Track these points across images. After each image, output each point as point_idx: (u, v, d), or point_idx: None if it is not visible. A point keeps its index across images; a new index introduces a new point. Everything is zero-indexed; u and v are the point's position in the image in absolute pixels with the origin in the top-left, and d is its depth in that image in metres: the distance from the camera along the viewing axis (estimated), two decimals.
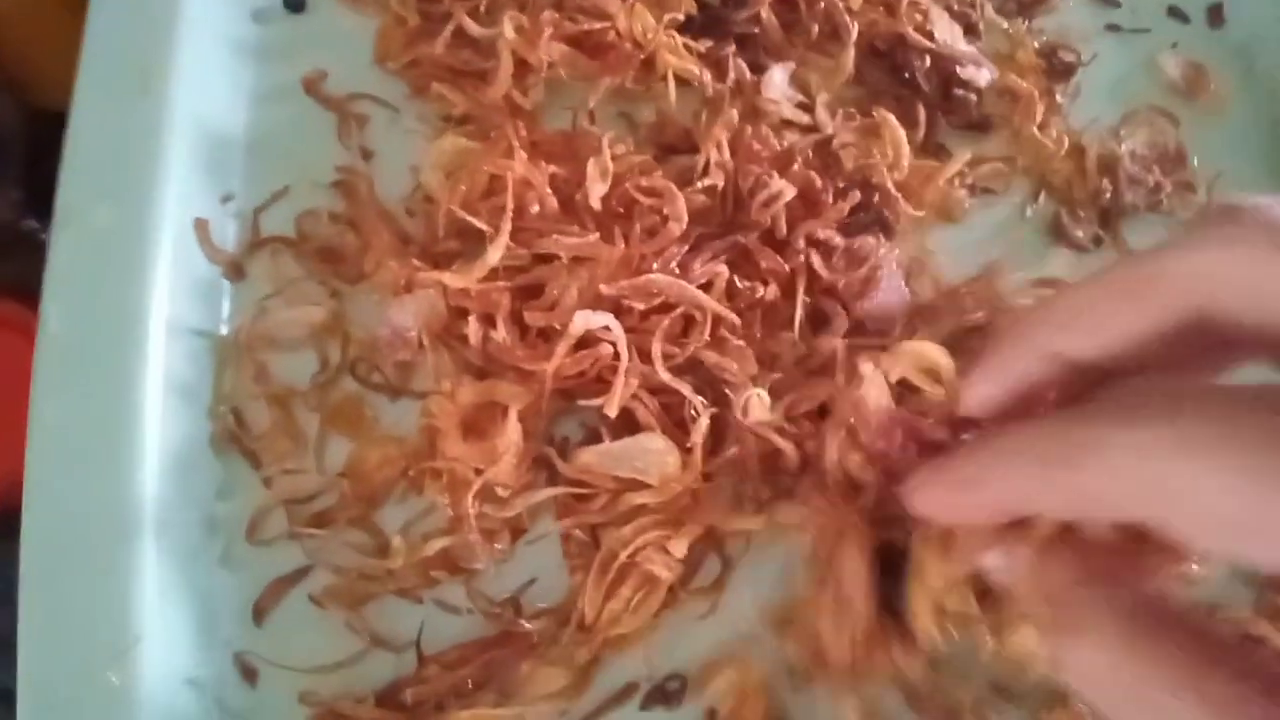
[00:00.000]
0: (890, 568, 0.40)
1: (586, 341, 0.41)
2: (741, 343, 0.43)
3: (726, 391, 0.42)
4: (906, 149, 0.47)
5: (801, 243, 0.44)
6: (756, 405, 0.41)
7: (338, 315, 0.45)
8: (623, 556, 0.39)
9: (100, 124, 0.44)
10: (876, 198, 0.46)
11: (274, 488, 0.42)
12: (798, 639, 0.39)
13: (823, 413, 0.43)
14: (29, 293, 0.42)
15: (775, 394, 0.42)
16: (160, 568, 0.38)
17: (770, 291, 0.43)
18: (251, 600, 0.41)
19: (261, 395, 0.43)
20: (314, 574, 0.41)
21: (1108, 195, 0.48)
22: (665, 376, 0.41)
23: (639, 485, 0.41)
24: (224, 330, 0.45)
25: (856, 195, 0.44)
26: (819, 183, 0.45)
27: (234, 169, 0.47)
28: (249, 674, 0.40)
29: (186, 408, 0.42)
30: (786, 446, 0.41)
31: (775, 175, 0.44)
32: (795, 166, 0.45)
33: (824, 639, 0.37)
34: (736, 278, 0.43)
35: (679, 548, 0.39)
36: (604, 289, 0.41)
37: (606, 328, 0.40)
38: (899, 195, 0.47)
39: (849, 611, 0.37)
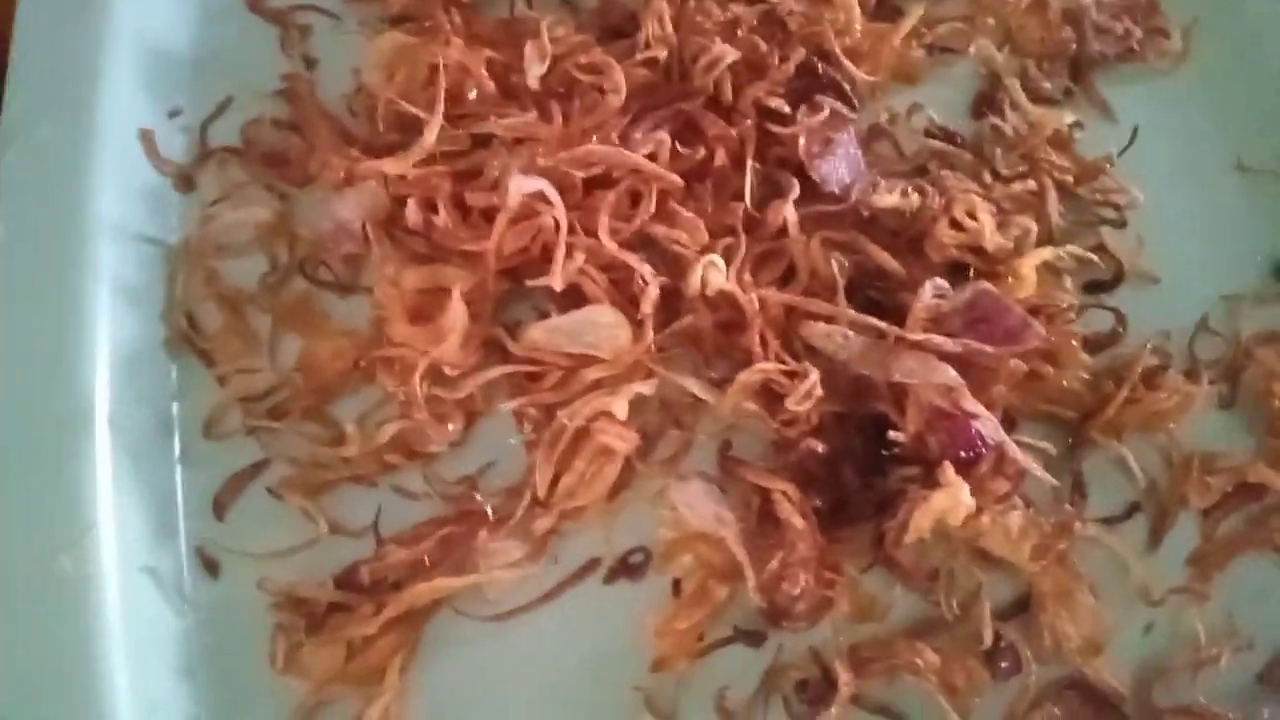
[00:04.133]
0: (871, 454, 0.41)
1: (527, 215, 0.41)
2: (691, 215, 0.43)
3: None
4: (857, 12, 0.47)
5: (749, 108, 0.44)
6: (712, 273, 0.41)
7: (285, 217, 0.46)
8: (570, 426, 0.40)
9: (43, 40, 0.45)
10: (827, 64, 0.46)
11: (229, 386, 0.43)
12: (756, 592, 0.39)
13: (784, 280, 0.43)
14: None
15: (729, 261, 0.42)
16: (114, 461, 0.40)
17: (719, 158, 0.43)
18: (211, 496, 0.42)
19: (213, 298, 0.44)
20: (271, 468, 0.43)
21: (1074, 46, 0.48)
22: (611, 248, 0.41)
23: (591, 361, 0.42)
24: (175, 239, 0.46)
25: (801, 53, 0.44)
26: (763, 46, 0.45)
27: (180, 84, 0.49)
28: (210, 566, 0.42)
29: (138, 312, 0.44)
30: (746, 300, 0.41)
31: (718, 41, 0.44)
32: (739, 33, 0.45)
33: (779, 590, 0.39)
34: (681, 147, 0.43)
35: (620, 408, 0.40)
36: (542, 162, 0.41)
37: (543, 195, 0.40)
38: (850, 62, 0.46)
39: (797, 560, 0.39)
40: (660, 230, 0.43)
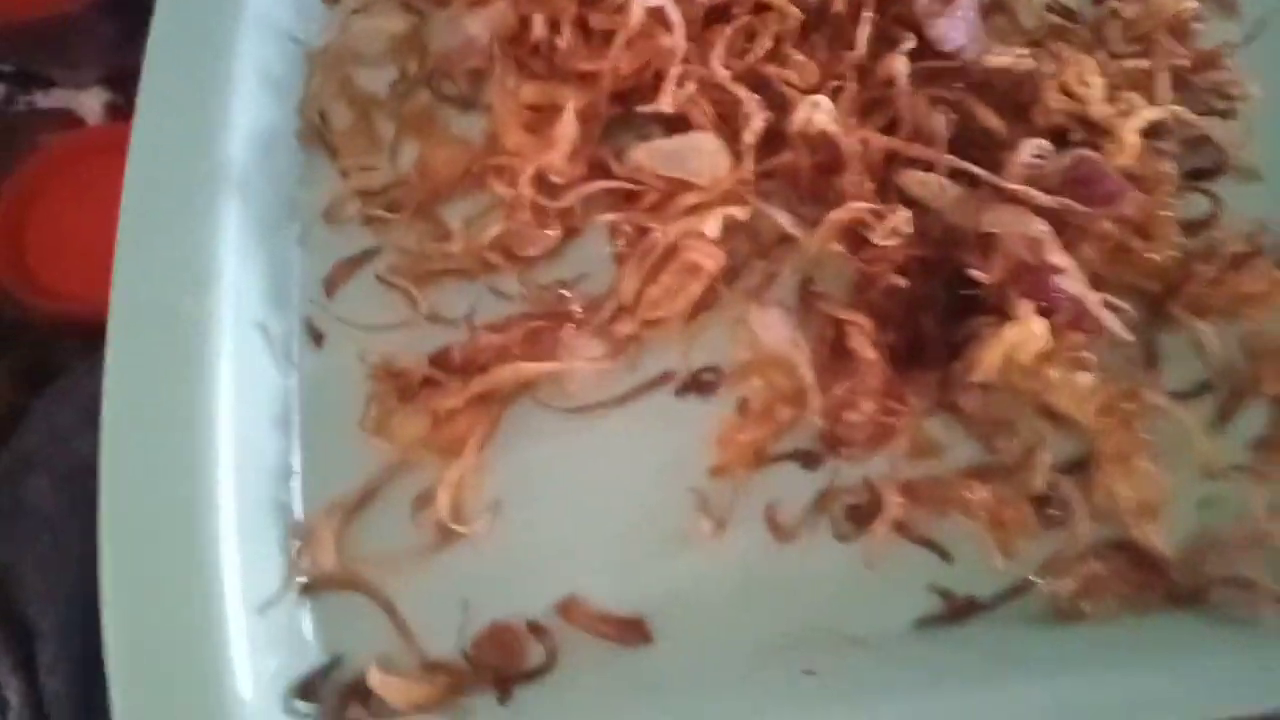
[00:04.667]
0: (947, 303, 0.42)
1: (646, 36, 0.43)
2: (804, 58, 0.44)
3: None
4: None
5: None
6: (817, 113, 0.43)
7: (418, 30, 0.49)
8: (662, 240, 0.42)
9: None
10: None
11: (351, 178, 0.47)
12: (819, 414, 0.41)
13: (889, 129, 0.44)
14: None
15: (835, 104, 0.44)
16: (240, 225, 0.44)
17: (837, 4, 0.44)
18: (324, 276, 0.45)
19: (344, 99, 0.48)
20: (381, 256, 0.46)
21: None
22: (722, 75, 0.43)
23: (690, 187, 0.44)
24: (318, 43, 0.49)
25: None
26: None
27: None
28: (316, 336, 0.45)
29: (277, 102, 0.48)
30: (847, 142, 0.42)
31: None
32: None
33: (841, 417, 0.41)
34: None
35: (711, 227, 0.41)
36: None
37: (664, 13, 0.42)
38: None
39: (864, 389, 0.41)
40: (772, 69, 0.44)
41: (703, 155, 0.44)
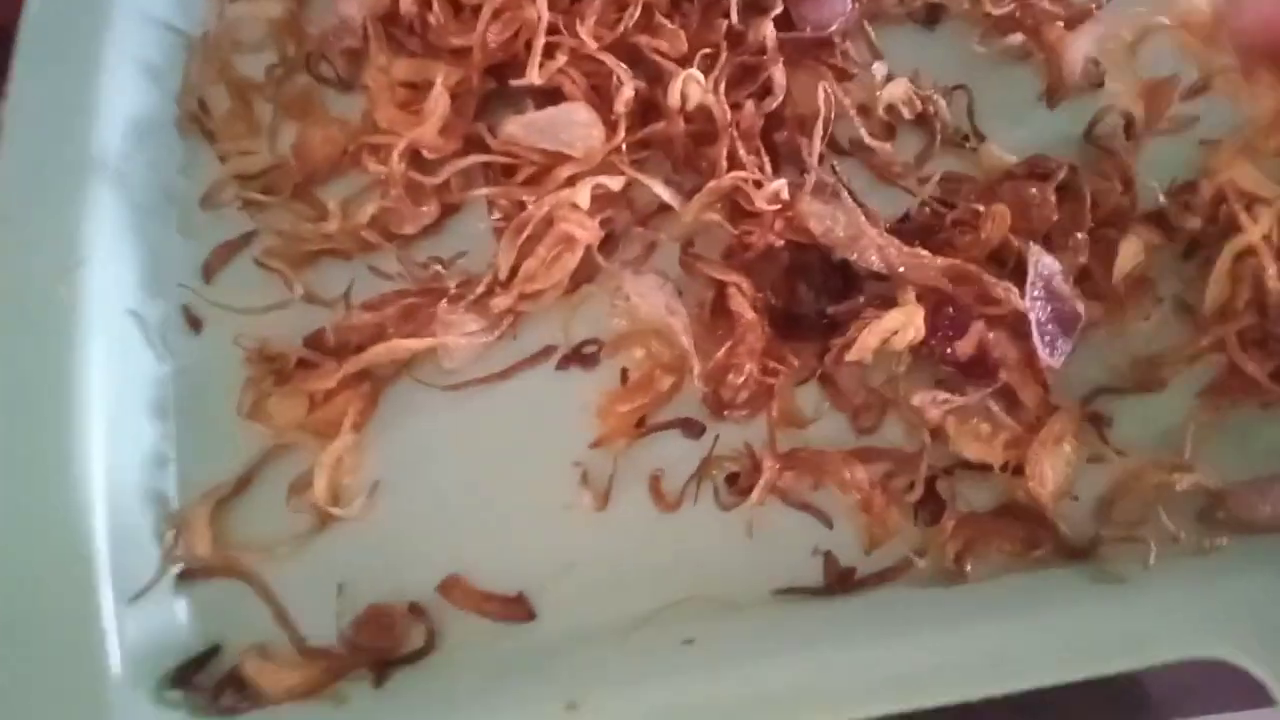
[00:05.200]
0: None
1: (512, 7, 0.43)
2: (674, 27, 0.44)
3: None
4: None
5: None
6: (692, 86, 0.43)
7: (295, 14, 0.48)
8: (536, 214, 0.41)
9: None
10: None
11: (228, 164, 0.46)
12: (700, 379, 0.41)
13: (761, 95, 0.44)
14: None
15: (706, 72, 0.43)
16: (115, 211, 0.44)
17: None
18: (202, 261, 0.45)
19: (223, 84, 0.47)
20: (259, 240, 0.45)
21: None
22: (591, 46, 0.43)
23: (565, 159, 0.43)
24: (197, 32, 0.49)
25: None
26: None
27: None
28: (194, 322, 0.45)
29: (156, 90, 0.48)
30: (720, 111, 0.42)
31: None
32: None
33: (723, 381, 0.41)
34: None
35: (583, 197, 0.41)
36: None
37: None
38: None
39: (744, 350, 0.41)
40: (643, 39, 0.44)
41: (575, 127, 0.43)
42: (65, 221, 0.42)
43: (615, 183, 0.43)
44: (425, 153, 0.44)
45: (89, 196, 0.43)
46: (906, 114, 0.45)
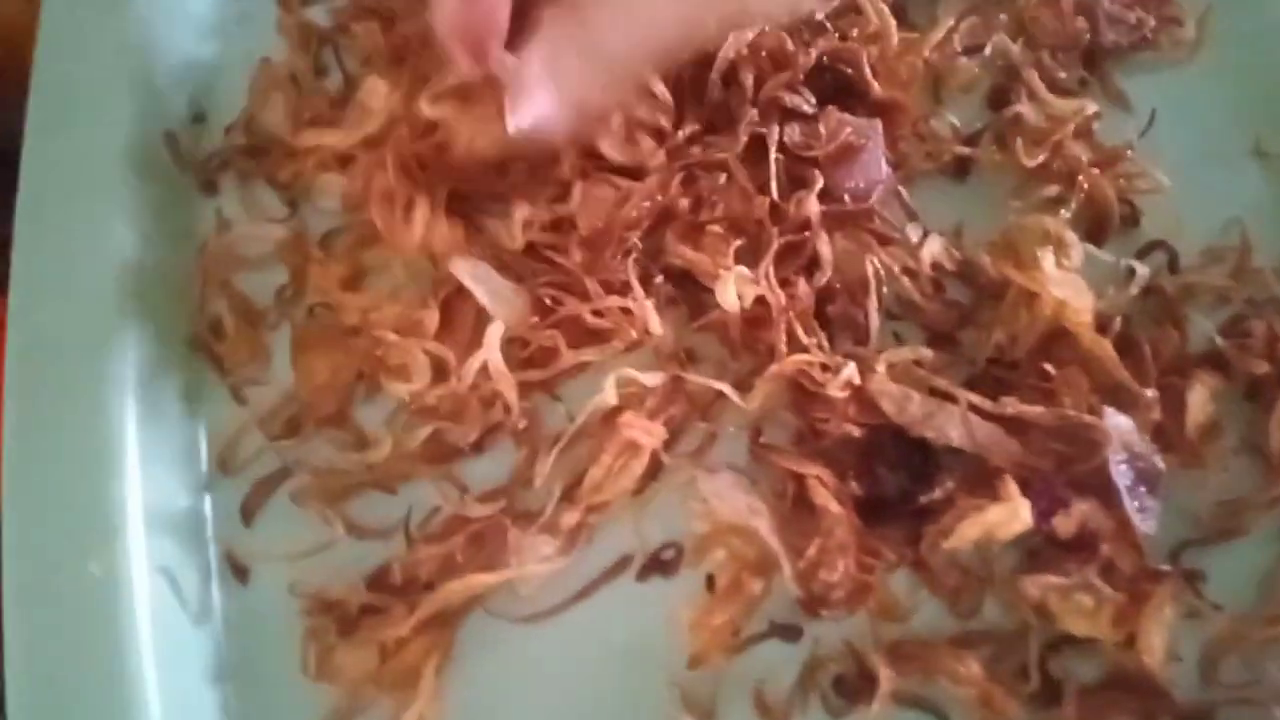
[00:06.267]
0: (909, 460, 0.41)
1: None
2: (716, 228, 0.43)
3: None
4: (892, 21, 0.47)
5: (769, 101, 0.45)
6: (744, 286, 0.42)
7: (301, 237, 0.46)
8: (581, 419, 0.41)
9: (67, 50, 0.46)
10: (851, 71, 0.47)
11: (245, 407, 0.44)
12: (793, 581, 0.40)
13: (808, 273, 0.43)
14: None
15: (752, 255, 0.43)
16: (143, 464, 0.40)
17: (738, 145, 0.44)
18: (240, 503, 0.42)
19: (229, 307, 0.45)
20: (295, 475, 0.43)
21: (1087, 37, 0.48)
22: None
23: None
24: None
25: (825, 43, 0.45)
26: (788, 41, 0.45)
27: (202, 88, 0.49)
28: (240, 572, 0.42)
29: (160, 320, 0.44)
30: (774, 298, 0.41)
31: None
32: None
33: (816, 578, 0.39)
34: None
35: (610, 395, 0.41)
36: None
37: None
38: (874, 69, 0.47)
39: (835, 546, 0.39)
40: (685, 253, 0.43)
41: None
42: (95, 492, 0.39)
43: (651, 378, 0.42)
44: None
45: (114, 457, 0.40)
46: (949, 267, 0.45)
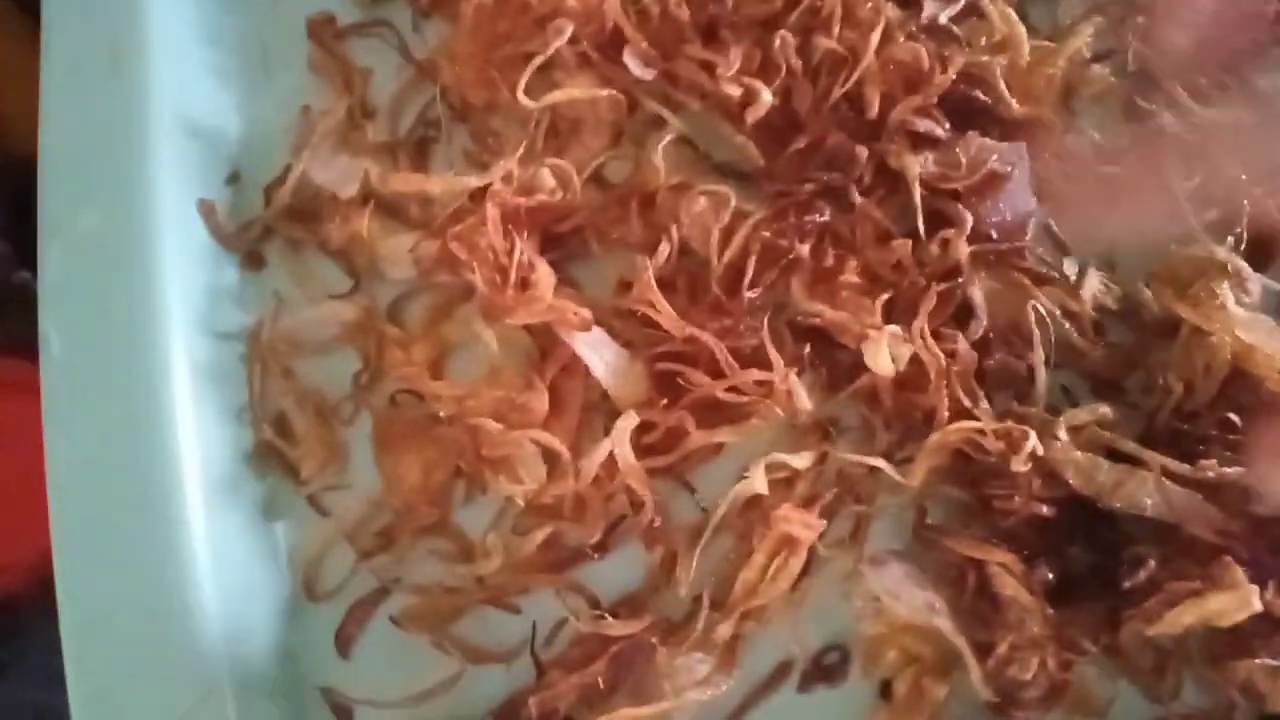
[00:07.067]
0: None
1: None
2: (855, 278, 0.38)
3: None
4: (1021, 29, 0.42)
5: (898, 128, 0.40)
6: (897, 347, 0.37)
7: (371, 314, 0.41)
8: (722, 510, 0.36)
9: (73, 116, 0.40)
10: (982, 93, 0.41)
11: (329, 519, 0.38)
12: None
13: (959, 322, 0.39)
14: (28, 348, 0.38)
15: (894, 308, 0.38)
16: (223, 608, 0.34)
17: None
18: (336, 631, 0.37)
19: (294, 404, 0.39)
20: (394, 594, 0.37)
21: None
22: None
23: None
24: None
25: (961, 61, 0.40)
26: (924, 54, 0.40)
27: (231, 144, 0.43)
28: (343, 713, 0.36)
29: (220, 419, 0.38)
30: (931, 359, 0.36)
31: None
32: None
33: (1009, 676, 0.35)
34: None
35: (800, 459, 0.36)
36: None
37: None
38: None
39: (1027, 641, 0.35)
40: (826, 313, 0.38)
41: None
42: (173, 648, 0.33)
43: (801, 460, 0.37)
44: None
45: (191, 601, 0.34)
46: (1112, 305, 0.40)
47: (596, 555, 0.38)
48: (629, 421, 0.36)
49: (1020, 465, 0.35)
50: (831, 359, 0.39)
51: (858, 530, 0.38)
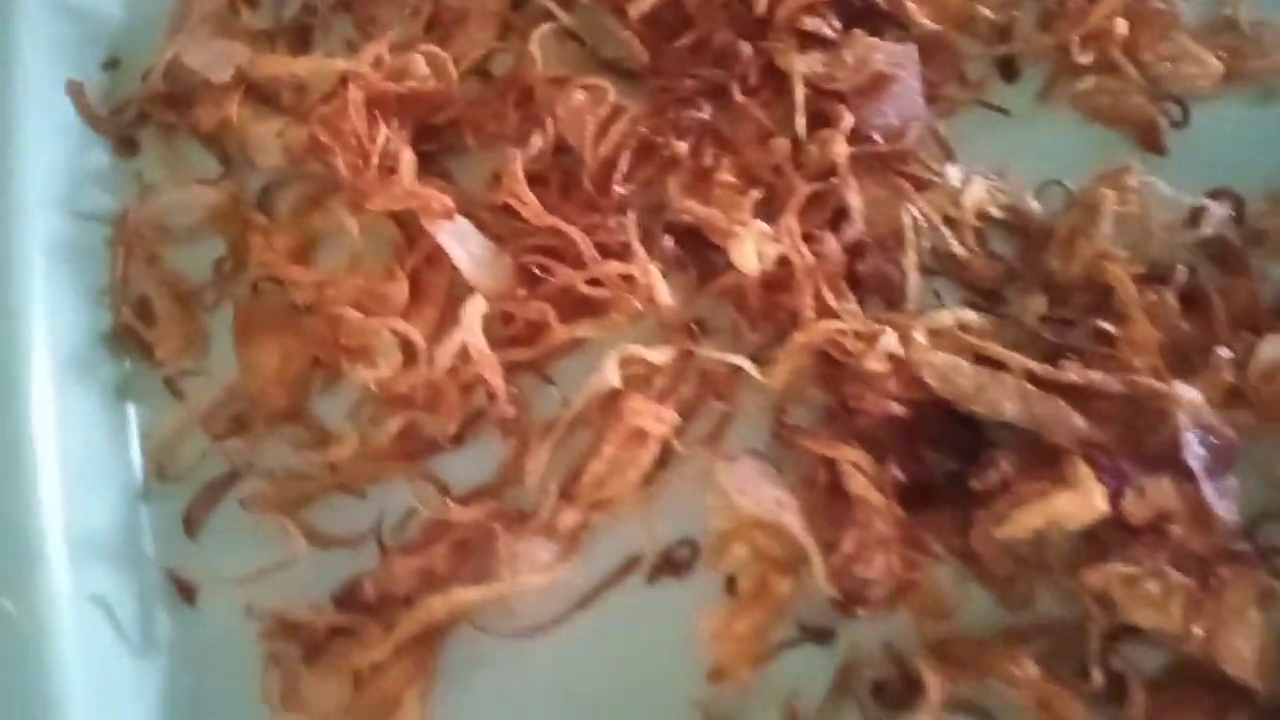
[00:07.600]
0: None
1: None
2: (731, 178, 0.37)
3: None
4: None
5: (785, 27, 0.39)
6: (752, 253, 0.36)
7: (237, 199, 0.40)
8: (578, 404, 0.36)
9: None
10: None
11: (183, 403, 0.38)
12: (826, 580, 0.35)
13: (833, 226, 0.38)
14: None
15: (771, 208, 0.37)
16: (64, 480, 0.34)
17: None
18: (181, 512, 0.37)
19: (156, 288, 0.39)
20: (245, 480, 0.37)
21: None
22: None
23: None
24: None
25: None
26: None
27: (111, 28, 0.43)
28: (186, 593, 0.36)
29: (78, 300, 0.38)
30: (798, 257, 0.36)
31: None
32: None
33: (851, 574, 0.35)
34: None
35: (612, 376, 0.36)
36: None
37: None
38: None
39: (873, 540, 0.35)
40: (697, 210, 0.37)
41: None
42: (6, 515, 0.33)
43: (658, 355, 0.36)
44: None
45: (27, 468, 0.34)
46: (997, 214, 0.40)
47: (452, 446, 0.38)
48: (477, 306, 0.35)
49: (874, 364, 0.35)
50: (705, 259, 0.39)
51: (718, 430, 0.38)
